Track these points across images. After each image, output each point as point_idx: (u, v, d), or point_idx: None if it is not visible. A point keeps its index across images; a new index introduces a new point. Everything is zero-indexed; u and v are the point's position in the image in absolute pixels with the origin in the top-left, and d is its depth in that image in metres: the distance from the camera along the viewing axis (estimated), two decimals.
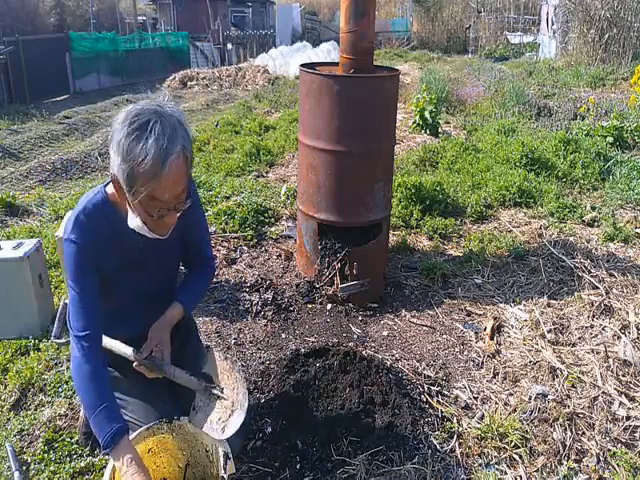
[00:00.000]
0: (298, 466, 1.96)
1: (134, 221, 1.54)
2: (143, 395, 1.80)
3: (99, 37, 15.78)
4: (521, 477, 1.97)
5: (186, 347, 1.97)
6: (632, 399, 2.36)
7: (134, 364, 1.70)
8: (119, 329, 1.81)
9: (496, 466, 2.02)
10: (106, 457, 1.97)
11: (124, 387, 1.81)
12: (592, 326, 2.89)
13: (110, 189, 1.62)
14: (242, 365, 2.58)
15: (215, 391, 1.66)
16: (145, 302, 1.82)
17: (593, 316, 2.96)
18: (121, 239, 1.64)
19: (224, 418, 1.62)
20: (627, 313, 2.96)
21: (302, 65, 3.17)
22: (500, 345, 2.78)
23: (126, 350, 1.70)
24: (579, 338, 2.80)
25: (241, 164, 5.74)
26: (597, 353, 2.65)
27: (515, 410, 2.29)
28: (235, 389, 1.67)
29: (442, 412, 2.27)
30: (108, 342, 1.75)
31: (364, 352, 2.56)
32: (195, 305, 1.99)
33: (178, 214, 1.54)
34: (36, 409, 2.27)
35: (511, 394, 2.42)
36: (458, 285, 3.38)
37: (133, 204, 1.49)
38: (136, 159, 1.37)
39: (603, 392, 2.39)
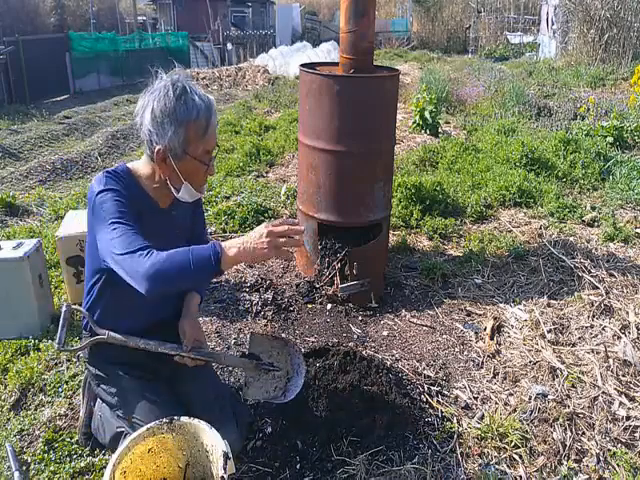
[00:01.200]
0: (298, 466, 1.96)
1: (186, 190, 1.61)
2: (145, 393, 1.80)
3: (99, 37, 15.77)
4: (521, 477, 1.97)
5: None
6: (632, 399, 2.36)
7: (175, 358, 1.74)
8: (128, 320, 1.82)
9: (496, 466, 2.02)
10: (106, 457, 1.97)
11: (126, 385, 1.82)
12: (592, 326, 2.89)
13: (132, 165, 1.67)
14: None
15: (265, 366, 1.81)
16: None
17: (593, 316, 2.97)
18: (143, 210, 1.65)
19: (281, 385, 1.81)
20: (627, 313, 2.96)
21: (302, 65, 3.17)
22: (500, 345, 2.78)
23: (167, 347, 1.73)
24: (579, 338, 2.80)
25: (241, 164, 5.74)
26: (597, 353, 2.65)
27: (515, 410, 2.29)
28: (288, 360, 1.87)
29: (442, 412, 2.27)
30: (143, 343, 1.76)
31: (364, 352, 2.56)
32: (205, 292, 2.03)
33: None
34: (36, 409, 2.27)
35: (511, 394, 2.42)
36: (458, 285, 3.38)
37: (187, 166, 1.56)
38: (191, 118, 1.51)
39: (603, 392, 2.39)
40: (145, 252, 1.44)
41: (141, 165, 1.70)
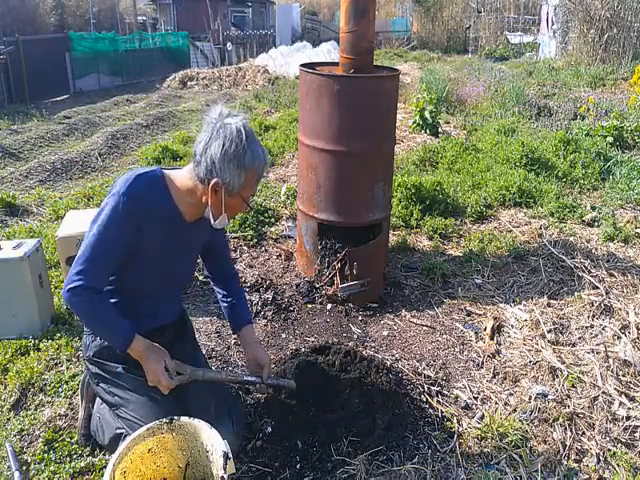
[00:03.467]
0: (298, 466, 1.96)
1: (223, 220, 1.74)
2: (144, 393, 1.80)
3: (99, 37, 15.76)
4: (521, 477, 1.97)
5: (183, 349, 1.99)
6: (632, 399, 2.36)
7: (257, 387, 2.00)
8: (142, 323, 1.83)
9: (496, 466, 2.02)
10: (106, 457, 1.97)
11: (125, 384, 1.82)
12: (592, 326, 2.89)
13: (169, 174, 1.75)
14: (242, 365, 2.58)
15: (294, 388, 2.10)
16: (162, 295, 1.90)
17: (593, 316, 2.97)
18: (167, 219, 1.74)
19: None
20: (627, 313, 2.96)
21: (302, 65, 3.17)
22: (500, 345, 2.78)
23: (250, 378, 1.97)
24: (579, 338, 2.80)
25: None
26: (597, 353, 2.65)
27: (515, 410, 2.29)
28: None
29: (442, 412, 2.27)
30: (231, 375, 2.00)
31: (364, 352, 2.56)
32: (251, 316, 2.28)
33: None
34: (36, 409, 2.27)
35: (511, 394, 2.42)
36: (458, 285, 3.38)
37: (232, 202, 1.70)
38: (253, 167, 1.65)
39: (603, 392, 2.39)
40: (84, 294, 1.63)
41: (182, 178, 1.74)
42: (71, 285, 1.61)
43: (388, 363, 2.53)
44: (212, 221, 1.74)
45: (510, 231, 4.13)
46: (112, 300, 1.79)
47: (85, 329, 1.91)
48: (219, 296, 2.14)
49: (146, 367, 1.71)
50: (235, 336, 2.82)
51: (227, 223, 1.79)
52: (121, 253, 1.69)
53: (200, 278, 3.32)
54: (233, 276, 2.15)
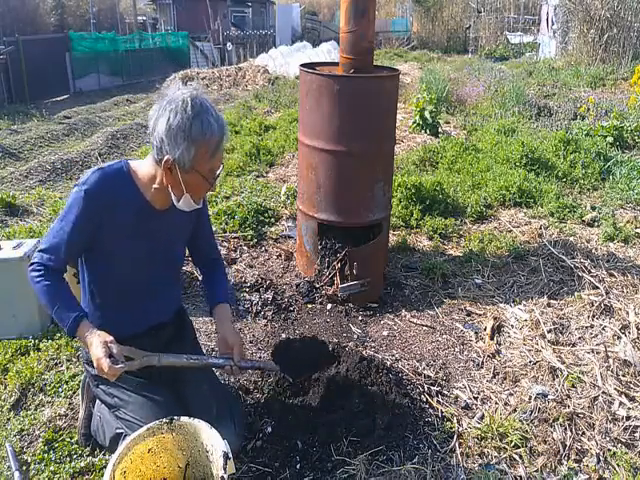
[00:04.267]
0: (298, 466, 1.96)
1: (187, 201, 1.67)
2: (144, 393, 1.80)
3: (99, 37, 15.77)
4: (521, 477, 1.97)
5: (183, 350, 1.99)
6: (632, 399, 2.36)
7: (227, 370, 1.82)
8: (130, 324, 1.84)
9: (496, 466, 2.02)
10: (106, 457, 1.97)
11: (125, 385, 1.82)
12: (592, 326, 2.89)
13: (134, 165, 1.72)
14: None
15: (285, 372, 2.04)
16: (150, 289, 1.86)
17: (593, 316, 2.97)
18: (135, 211, 1.71)
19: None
20: (627, 313, 2.96)
21: (302, 65, 3.17)
22: (500, 345, 2.78)
23: (217, 360, 1.83)
24: (579, 338, 2.80)
25: (241, 164, 5.74)
26: (597, 353, 2.65)
27: (515, 410, 2.29)
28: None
29: (442, 412, 2.27)
30: (193, 359, 1.79)
31: (364, 352, 2.56)
32: (234, 298, 2.13)
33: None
34: (36, 409, 2.27)
35: (511, 394, 2.42)
36: (458, 285, 3.38)
37: (191, 180, 1.62)
38: (204, 139, 1.56)
39: (603, 392, 2.39)
40: (41, 270, 1.67)
41: (144, 165, 1.72)
42: (32, 260, 1.69)
43: (388, 363, 2.53)
44: (175, 203, 1.69)
45: (510, 231, 4.13)
46: (98, 301, 1.80)
47: None
48: (201, 274, 2.10)
49: (91, 354, 1.64)
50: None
51: (196, 204, 1.72)
52: (79, 243, 1.71)
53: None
54: (216, 259, 2.08)
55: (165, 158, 1.58)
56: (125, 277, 1.80)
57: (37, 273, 1.67)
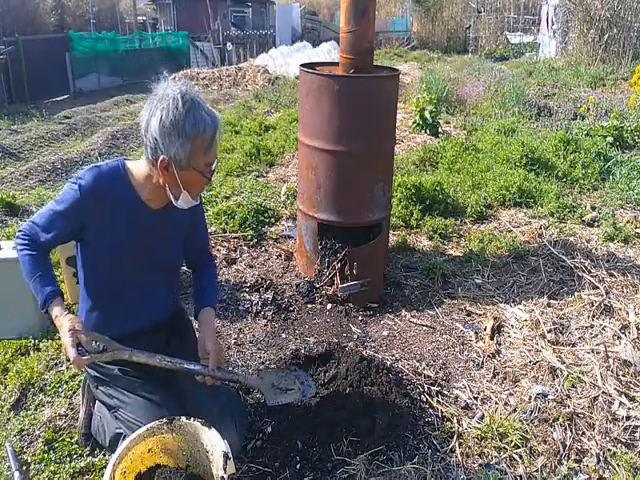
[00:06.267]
0: (298, 466, 1.96)
1: (186, 198, 1.67)
2: (144, 394, 1.80)
3: (99, 37, 15.77)
4: (521, 477, 1.97)
5: (183, 349, 1.99)
6: (632, 399, 2.36)
7: (198, 378, 1.75)
8: (126, 322, 1.84)
9: (496, 466, 2.02)
10: (106, 457, 1.97)
11: (124, 386, 1.82)
12: (592, 326, 2.89)
13: (130, 164, 1.72)
14: (242, 365, 2.58)
15: (279, 389, 1.92)
16: (146, 288, 1.85)
17: (593, 316, 2.96)
18: (129, 209, 1.71)
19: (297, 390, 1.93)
20: (627, 313, 2.96)
21: (302, 65, 3.17)
22: (500, 345, 2.78)
23: (191, 366, 1.74)
24: (579, 338, 2.80)
25: (241, 164, 5.73)
26: (597, 353, 2.65)
27: (515, 410, 2.29)
28: (296, 381, 1.97)
29: (442, 412, 2.27)
30: (166, 361, 1.73)
31: (364, 352, 2.56)
32: (217, 301, 2.11)
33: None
34: (36, 409, 2.27)
35: (511, 394, 2.42)
36: (458, 285, 3.38)
37: (188, 177, 1.62)
38: (198, 133, 1.55)
39: (603, 392, 2.39)
40: (27, 240, 1.72)
41: (139, 166, 1.72)
42: (21, 228, 1.74)
43: (388, 363, 2.53)
44: (174, 202, 1.68)
45: (510, 231, 4.13)
46: (95, 299, 1.82)
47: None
48: (193, 280, 2.09)
49: (61, 338, 1.63)
50: (235, 336, 2.82)
51: (194, 201, 1.71)
52: (64, 234, 1.74)
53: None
54: (208, 261, 2.06)
55: (160, 158, 1.57)
56: (120, 276, 1.80)
57: (23, 241, 1.72)
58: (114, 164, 1.72)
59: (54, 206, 1.70)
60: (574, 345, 2.75)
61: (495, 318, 2.97)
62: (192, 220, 1.92)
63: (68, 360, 1.59)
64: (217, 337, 1.90)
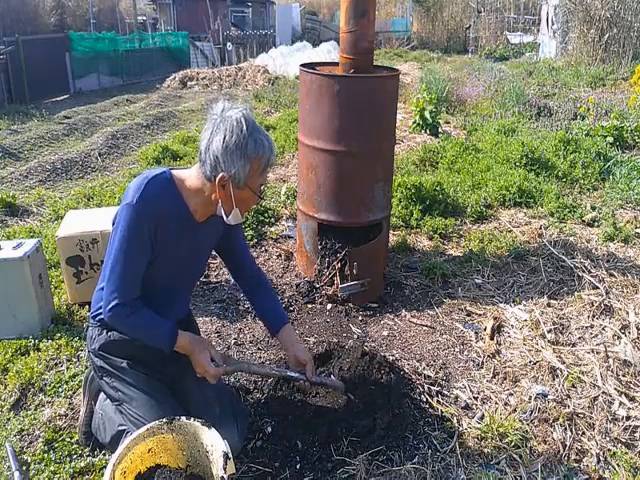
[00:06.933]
0: (298, 466, 1.96)
1: (236, 215, 1.73)
2: (147, 390, 1.81)
3: (99, 37, 15.74)
4: (521, 477, 1.97)
5: None
6: (632, 399, 2.36)
7: (299, 384, 2.02)
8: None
9: (496, 466, 2.02)
10: (106, 457, 1.97)
11: (129, 379, 1.82)
12: (592, 326, 2.89)
13: (178, 174, 1.75)
14: None
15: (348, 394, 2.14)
16: (172, 295, 1.90)
17: (593, 316, 2.96)
18: (180, 220, 1.75)
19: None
20: (627, 313, 2.96)
21: (302, 65, 3.17)
22: (500, 345, 2.78)
23: (293, 374, 1.99)
24: (579, 338, 2.80)
25: None
26: (597, 353, 2.65)
27: (515, 410, 2.29)
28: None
29: (442, 412, 2.27)
30: (274, 370, 2.01)
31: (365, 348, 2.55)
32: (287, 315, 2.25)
33: None
34: (36, 409, 2.27)
35: (511, 394, 2.42)
36: (458, 285, 3.38)
37: (242, 196, 1.69)
38: (258, 155, 1.63)
39: (603, 392, 2.39)
40: (127, 307, 1.70)
41: (190, 177, 1.74)
42: (110, 305, 1.69)
43: (391, 359, 2.53)
44: (225, 217, 1.73)
45: (510, 231, 4.13)
46: None
47: (91, 321, 1.91)
48: (248, 298, 2.17)
49: (193, 360, 1.76)
50: (235, 336, 2.82)
51: (242, 218, 1.78)
52: (147, 261, 1.73)
53: (200, 278, 3.32)
54: (260, 277, 2.12)
55: (220, 175, 1.63)
56: (158, 282, 1.82)
57: (120, 318, 1.72)
58: (163, 176, 1.73)
59: (125, 249, 1.66)
60: (574, 345, 2.75)
61: (495, 318, 2.97)
62: (232, 233, 1.99)
63: (204, 373, 1.77)
64: (305, 347, 2.15)
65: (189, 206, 1.75)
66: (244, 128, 1.60)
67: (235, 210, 1.71)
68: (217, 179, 1.63)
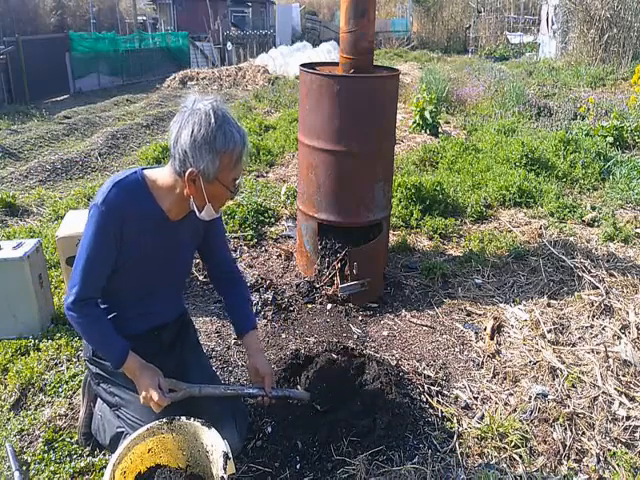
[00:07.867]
0: (298, 466, 1.96)
1: (209, 211, 1.69)
2: None
3: (99, 37, 15.73)
4: (521, 477, 1.97)
5: (185, 351, 2.01)
6: (632, 399, 2.36)
7: (259, 399, 1.88)
8: (133, 324, 1.85)
9: (496, 466, 2.02)
10: (106, 457, 1.97)
11: (126, 384, 1.82)
12: (592, 326, 2.89)
13: (150, 174, 1.72)
14: (242, 365, 2.58)
15: (315, 400, 2.10)
16: (158, 295, 1.88)
17: (593, 316, 2.96)
18: (151, 221, 1.72)
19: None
20: (627, 313, 2.96)
21: (302, 65, 3.17)
22: (500, 345, 2.78)
23: (250, 390, 1.89)
24: (579, 338, 2.80)
25: None
26: (597, 353, 2.65)
27: (515, 410, 2.29)
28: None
29: (442, 412, 2.27)
30: (230, 389, 1.88)
31: (364, 352, 2.55)
32: (256, 320, 2.20)
33: None
34: (36, 409, 2.27)
35: (511, 394, 2.42)
36: (458, 285, 3.37)
37: (214, 190, 1.63)
38: (228, 149, 1.57)
39: (603, 392, 2.39)
40: (83, 309, 1.69)
41: (162, 175, 1.72)
42: (68, 300, 1.68)
43: (393, 363, 2.53)
44: (197, 213, 1.70)
45: (510, 231, 4.13)
46: (103, 302, 1.81)
47: None
48: (222, 297, 2.11)
49: (138, 384, 1.70)
50: (235, 336, 2.82)
51: (216, 214, 1.74)
52: (110, 263, 1.71)
53: (200, 278, 3.33)
54: (235, 276, 2.08)
55: (189, 170, 1.59)
56: (135, 283, 1.81)
57: (76, 313, 1.69)
58: (133, 176, 1.70)
59: (89, 249, 1.65)
60: (574, 345, 2.75)
61: (495, 318, 2.97)
62: (211, 230, 1.94)
63: (149, 402, 1.68)
64: (266, 358, 2.05)
65: (162, 205, 1.72)
66: (212, 121, 1.55)
67: (208, 205, 1.68)
68: (186, 174, 1.59)
